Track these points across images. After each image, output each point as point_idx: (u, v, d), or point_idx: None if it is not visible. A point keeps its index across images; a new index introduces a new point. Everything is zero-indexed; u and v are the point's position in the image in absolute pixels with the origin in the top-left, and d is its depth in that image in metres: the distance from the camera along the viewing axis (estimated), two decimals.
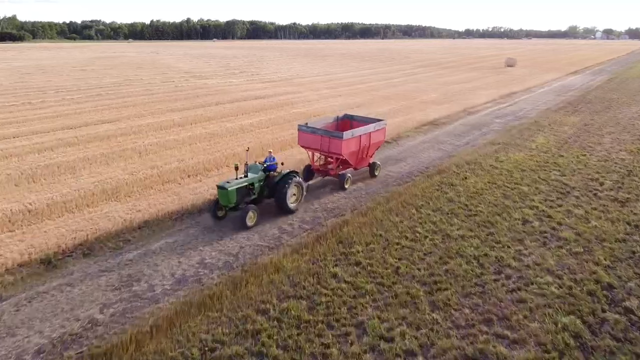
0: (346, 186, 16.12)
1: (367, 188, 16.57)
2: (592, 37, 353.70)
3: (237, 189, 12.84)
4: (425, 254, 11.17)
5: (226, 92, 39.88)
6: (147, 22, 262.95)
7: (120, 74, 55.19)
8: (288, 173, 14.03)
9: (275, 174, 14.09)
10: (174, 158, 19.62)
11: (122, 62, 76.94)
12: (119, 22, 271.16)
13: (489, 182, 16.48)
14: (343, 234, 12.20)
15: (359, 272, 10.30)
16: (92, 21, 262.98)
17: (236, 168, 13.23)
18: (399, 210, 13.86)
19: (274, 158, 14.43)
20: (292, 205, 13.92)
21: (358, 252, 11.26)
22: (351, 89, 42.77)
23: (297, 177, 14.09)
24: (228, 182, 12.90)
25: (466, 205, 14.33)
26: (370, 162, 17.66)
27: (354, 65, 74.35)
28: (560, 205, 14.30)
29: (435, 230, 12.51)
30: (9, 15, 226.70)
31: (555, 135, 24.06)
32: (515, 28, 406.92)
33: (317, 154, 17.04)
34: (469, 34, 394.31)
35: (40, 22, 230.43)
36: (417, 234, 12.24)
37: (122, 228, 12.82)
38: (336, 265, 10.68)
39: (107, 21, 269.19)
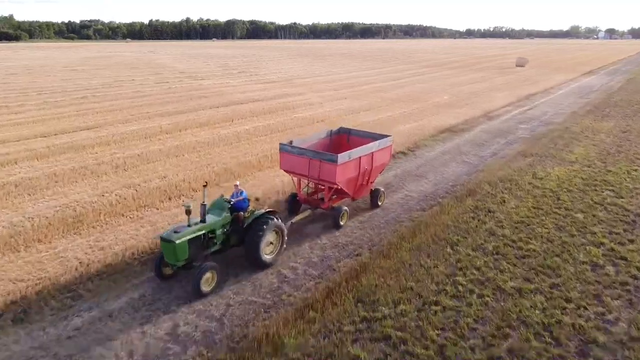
0: (341, 223, 12.56)
1: (385, 214, 13.65)
2: (595, 36, 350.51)
3: (188, 240, 9.20)
4: (476, 321, 8.26)
5: (222, 94, 37.00)
6: (146, 22, 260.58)
7: (112, 75, 52.32)
8: (263, 214, 10.44)
9: (246, 214, 10.48)
10: (156, 174, 16.72)
11: (116, 62, 74.09)
12: (117, 21, 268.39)
13: (533, 208, 13.56)
14: (362, 287, 9.30)
15: (390, 355, 7.40)
16: (90, 21, 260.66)
17: (187, 212, 9.35)
18: (430, 249, 10.96)
19: (243, 192, 10.67)
20: (267, 258, 10.35)
21: (385, 317, 8.35)
22: (356, 91, 39.87)
23: (276, 220, 10.54)
24: (176, 232, 9.15)
25: (513, 241, 11.41)
26: (373, 188, 14.14)
27: (357, 65, 71.44)
28: (631, 241, 11.38)
29: (482, 281, 9.60)
30: (6, 14, 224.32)
31: (594, 145, 21.13)
32: (517, 28, 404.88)
33: (304, 180, 13.21)
34: (470, 33, 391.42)
35: (38, 21, 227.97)
36: (460, 287, 9.33)
37: (75, 276, 9.91)
38: (356, 340, 7.78)
39: (106, 21, 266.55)
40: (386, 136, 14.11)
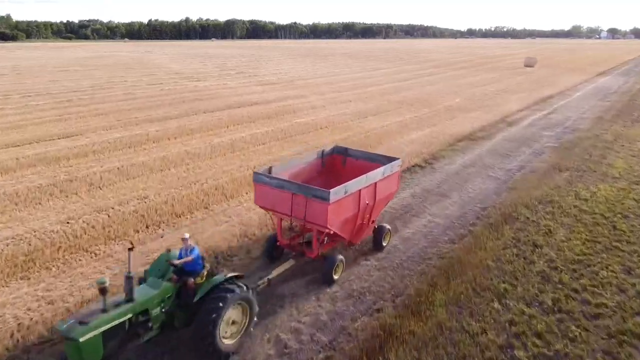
0: (335, 277, 9.58)
1: (407, 248, 11.22)
2: (597, 36, 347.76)
3: (103, 333, 6.10)
4: None
5: (218, 97, 34.58)
6: (145, 21, 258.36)
7: (104, 75, 49.93)
8: (224, 281, 7.38)
9: (199, 280, 7.32)
10: (135, 194, 14.31)
11: (111, 62, 71.70)
12: (116, 21, 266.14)
13: (588, 240, 11.13)
14: None
15: None
16: (89, 21, 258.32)
17: (102, 291, 6.18)
18: (472, 304, 8.54)
19: (194, 249, 7.40)
20: (227, 344, 7.24)
21: None
22: (360, 93, 37.45)
23: (241, 289, 7.38)
24: (82, 322, 5.97)
25: (576, 290, 8.99)
26: (376, 226, 11.02)
27: (360, 65, 68.98)
28: None
29: (551, 356, 7.18)
30: (3, 14, 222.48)
31: (634, 156, 18.70)
32: (518, 27, 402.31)
33: (286, 219, 9.85)
34: (471, 33, 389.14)
35: (36, 21, 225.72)
36: None
37: (8, 347, 7.49)
38: None
39: (105, 21, 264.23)
40: (393, 159, 10.86)
